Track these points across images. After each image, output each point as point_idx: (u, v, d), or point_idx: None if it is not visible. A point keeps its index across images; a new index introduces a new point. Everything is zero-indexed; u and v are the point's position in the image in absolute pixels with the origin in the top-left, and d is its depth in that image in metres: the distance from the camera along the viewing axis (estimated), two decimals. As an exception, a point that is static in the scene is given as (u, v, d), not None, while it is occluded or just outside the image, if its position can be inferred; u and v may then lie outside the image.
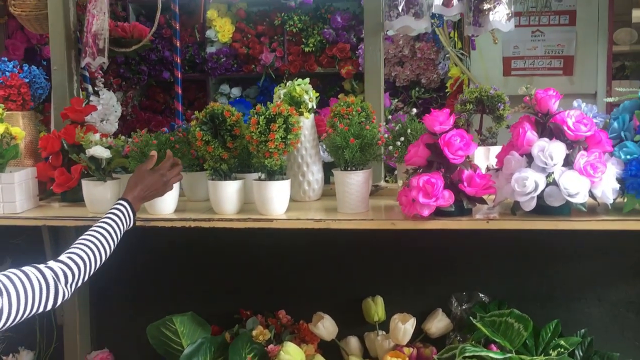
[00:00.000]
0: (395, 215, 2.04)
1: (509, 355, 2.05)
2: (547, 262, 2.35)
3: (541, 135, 1.90)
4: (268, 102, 2.04)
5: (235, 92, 5.32)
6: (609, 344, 2.28)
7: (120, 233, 1.86)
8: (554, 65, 4.08)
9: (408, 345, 2.32)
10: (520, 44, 4.12)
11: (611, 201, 1.86)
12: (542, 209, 1.85)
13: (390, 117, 2.50)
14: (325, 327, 2.37)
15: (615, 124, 2.01)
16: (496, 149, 2.12)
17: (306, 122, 2.22)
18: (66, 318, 2.65)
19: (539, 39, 4.10)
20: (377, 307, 2.40)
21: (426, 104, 4.58)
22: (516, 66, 4.15)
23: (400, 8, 2.32)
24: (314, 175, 2.27)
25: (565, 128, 1.85)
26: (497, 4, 2.29)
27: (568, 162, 1.84)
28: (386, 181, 2.51)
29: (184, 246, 2.55)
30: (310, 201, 2.28)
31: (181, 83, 5.19)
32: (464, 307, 2.38)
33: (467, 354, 2.03)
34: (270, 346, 2.31)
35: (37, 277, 1.58)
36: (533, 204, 1.82)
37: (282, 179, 2.07)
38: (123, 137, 2.35)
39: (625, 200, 1.89)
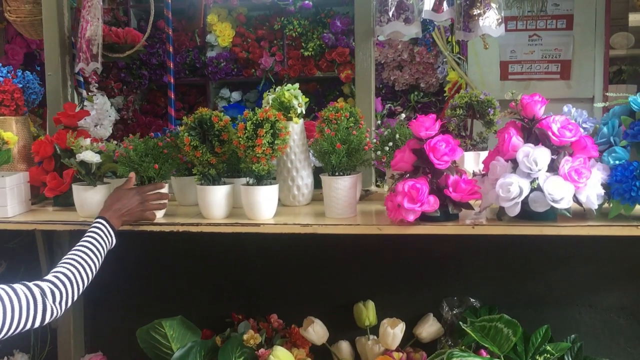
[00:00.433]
0: (383, 220, 2.04)
1: (496, 360, 2.05)
2: (539, 268, 2.35)
3: (527, 140, 1.89)
4: (256, 108, 2.05)
5: (236, 96, 5.33)
6: (599, 350, 2.29)
7: (103, 249, 1.91)
8: (551, 70, 4.06)
9: (398, 350, 2.32)
10: (517, 48, 4.10)
11: (596, 207, 1.84)
12: (528, 214, 1.84)
13: (380, 122, 2.50)
14: (316, 331, 2.37)
15: (605, 129, 1.99)
16: (486, 154, 2.11)
17: (295, 127, 2.23)
18: (60, 322, 2.67)
19: (536, 43, 4.08)
20: (368, 312, 2.40)
21: (425, 108, 4.59)
22: (513, 70, 4.13)
23: (390, 13, 2.33)
24: (304, 180, 2.27)
25: (550, 134, 1.84)
26: (487, 9, 2.28)
27: (553, 168, 1.83)
28: (377, 186, 2.51)
29: (177, 250, 2.56)
30: (300, 206, 2.28)
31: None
32: (455, 312, 2.38)
33: (454, 359, 2.03)
34: (261, 350, 2.31)
35: (25, 294, 1.61)
36: (518, 209, 1.81)
37: (270, 183, 2.08)
38: (115, 142, 2.37)
39: (611, 206, 1.88)
